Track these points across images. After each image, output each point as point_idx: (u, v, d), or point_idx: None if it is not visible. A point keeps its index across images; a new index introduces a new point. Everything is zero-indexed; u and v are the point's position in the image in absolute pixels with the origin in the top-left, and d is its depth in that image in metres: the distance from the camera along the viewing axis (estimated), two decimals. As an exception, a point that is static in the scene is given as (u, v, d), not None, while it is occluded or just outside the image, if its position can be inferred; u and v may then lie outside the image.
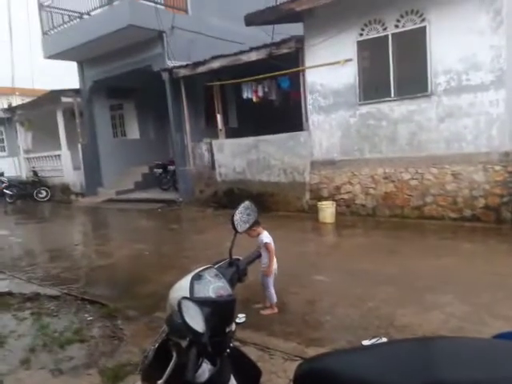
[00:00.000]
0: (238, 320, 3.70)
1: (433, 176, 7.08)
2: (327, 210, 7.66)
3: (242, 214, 1.85)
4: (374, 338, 3.20)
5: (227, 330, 1.52)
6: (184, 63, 10.36)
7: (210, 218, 9.00)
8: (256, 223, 3.69)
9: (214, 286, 1.52)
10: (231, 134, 10.76)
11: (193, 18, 11.30)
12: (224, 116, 10.68)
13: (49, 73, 17.61)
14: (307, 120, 8.55)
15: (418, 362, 1.23)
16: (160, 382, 1.37)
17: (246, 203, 1.89)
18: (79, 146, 13.63)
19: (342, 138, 8.12)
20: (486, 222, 6.51)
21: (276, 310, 4.00)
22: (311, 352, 3.06)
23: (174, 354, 1.38)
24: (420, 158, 7.24)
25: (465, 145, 6.83)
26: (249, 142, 9.50)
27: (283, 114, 10.00)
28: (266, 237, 3.96)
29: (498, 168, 6.50)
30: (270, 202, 8.96)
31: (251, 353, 3.15)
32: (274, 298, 4.01)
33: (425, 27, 6.94)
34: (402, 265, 5.05)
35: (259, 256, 1.97)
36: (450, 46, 6.74)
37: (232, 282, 1.64)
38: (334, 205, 7.79)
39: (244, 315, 3.80)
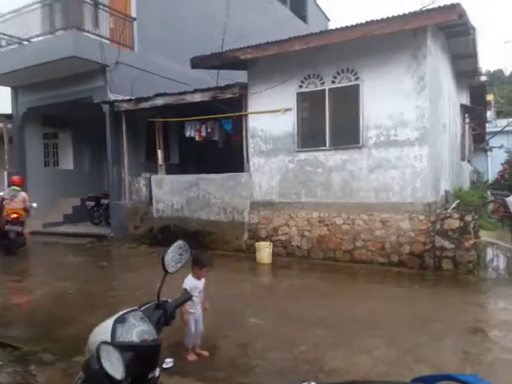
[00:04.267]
0: (165, 365, 3.52)
1: (363, 222, 7.46)
2: (265, 251, 7.71)
3: (175, 253, 1.83)
4: (303, 382, 3.17)
5: (150, 376, 1.47)
6: (127, 97, 10.27)
7: (143, 256, 8.64)
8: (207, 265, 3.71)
9: (138, 330, 1.48)
10: (172, 169, 10.66)
11: (139, 54, 11.35)
12: (165, 152, 10.60)
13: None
14: (248, 162, 8.74)
15: None
16: None
17: (179, 243, 1.87)
18: (5, 173, 12.71)
19: (281, 182, 8.37)
20: (411, 267, 6.91)
21: (193, 358, 3.75)
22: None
23: None
24: (352, 204, 7.62)
25: (392, 194, 7.32)
26: (190, 179, 9.45)
27: (225, 154, 10.15)
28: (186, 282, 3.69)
29: (421, 217, 7.01)
30: (208, 240, 8.85)
31: (178, 401, 2.99)
32: (190, 342, 3.77)
33: (358, 85, 7.53)
34: (333, 307, 5.15)
35: (189, 298, 1.93)
36: (380, 104, 7.34)
37: (158, 326, 1.60)
38: (271, 245, 7.88)
39: (172, 360, 3.61)
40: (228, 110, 9.02)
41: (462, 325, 4.56)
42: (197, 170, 9.86)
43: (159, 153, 10.03)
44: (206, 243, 8.77)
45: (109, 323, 1.47)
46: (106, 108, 10.44)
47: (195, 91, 9.16)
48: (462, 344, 4.13)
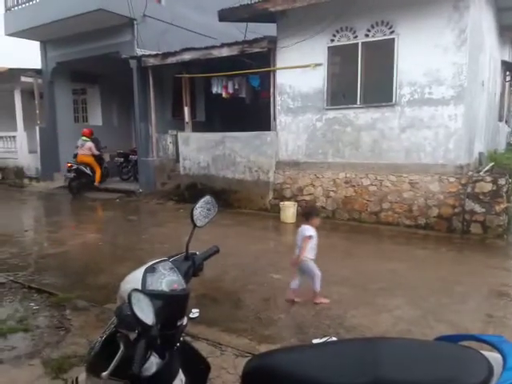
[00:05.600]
0: (191, 315, 3.67)
1: (391, 183, 7.32)
2: (289, 210, 7.74)
3: (203, 208, 1.83)
4: (324, 337, 3.26)
5: (178, 323, 1.50)
6: (153, 52, 10.14)
7: (171, 211, 8.85)
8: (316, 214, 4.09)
9: (167, 280, 1.50)
10: (198, 127, 10.65)
11: (166, 7, 11.08)
12: (192, 109, 10.54)
13: (9, 51, 16.71)
14: (275, 120, 8.60)
15: (362, 361, 1.26)
16: (104, 373, 1.34)
17: (207, 198, 1.87)
18: (37, 128, 13.03)
19: (308, 141, 8.23)
20: (439, 230, 6.80)
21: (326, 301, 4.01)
22: (263, 349, 3.08)
23: (122, 346, 1.34)
24: (380, 165, 7.46)
25: (423, 155, 7.09)
26: (216, 137, 9.43)
27: (252, 111, 10.02)
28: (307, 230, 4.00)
29: (452, 180, 6.81)
30: (233, 199, 8.94)
31: (202, 348, 3.12)
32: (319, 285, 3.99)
33: (393, 39, 7.15)
34: (356, 267, 5.17)
35: (216, 252, 1.96)
36: (415, 60, 6.98)
37: (187, 277, 1.63)
38: (296, 205, 7.88)
39: (198, 310, 3.77)
40: (255, 65, 8.80)
41: (486, 288, 4.51)
42: (223, 127, 9.81)
43: (186, 110, 9.99)
44: (231, 201, 8.87)
45: (139, 272, 1.50)
46: (133, 63, 10.37)
47: (222, 45, 8.93)
48: (485, 307, 4.10)
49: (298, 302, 4.06)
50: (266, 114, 8.76)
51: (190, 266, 1.69)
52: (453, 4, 6.61)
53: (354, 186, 7.72)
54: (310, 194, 8.17)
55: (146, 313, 1.25)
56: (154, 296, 1.36)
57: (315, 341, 3.15)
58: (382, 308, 3.94)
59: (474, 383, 1.12)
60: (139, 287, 1.40)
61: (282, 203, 7.94)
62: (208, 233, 5.00)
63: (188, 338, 3.23)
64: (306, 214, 4.19)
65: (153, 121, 10.58)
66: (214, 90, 9.63)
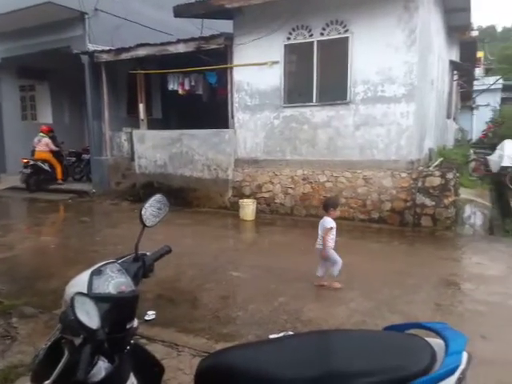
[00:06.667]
0: (146, 317, 3.60)
1: (346, 179, 7.49)
2: (248, 208, 7.75)
3: (153, 207, 1.80)
4: (281, 332, 3.28)
5: (128, 326, 1.47)
6: (107, 48, 9.82)
7: (125, 212, 8.60)
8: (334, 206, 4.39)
9: (115, 282, 1.47)
10: (154, 125, 10.42)
11: (119, 2, 10.73)
12: (148, 106, 10.31)
13: None
14: (233, 118, 8.57)
15: (315, 354, 1.27)
16: (47, 382, 1.29)
17: (158, 196, 1.84)
18: (-18, 125, 12.29)
19: (266, 138, 8.27)
20: (391, 224, 7.04)
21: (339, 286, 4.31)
22: (220, 347, 3.05)
23: (66, 353, 1.31)
24: (336, 161, 7.61)
25: (376, 152, 7.31)
26: (172, 134, 9.27)
27: (210, 109, 9.93)
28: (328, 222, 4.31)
29: (404, 175, 7.06)
30: (191, 197, 8.84)
31: (158, 350, 3.07)
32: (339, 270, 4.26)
33: (347, 38, 7.30)
34: (313, 262, 5.22)
35: (168, 251, 1.92)
36: (369, 58, 7.16)
37: (136, 278, 1.60)
38: (255, 203, 7.91)
39: (154, 312, 3.68)
40: (212, 62, 8.72)
41: (436, 278, 4.72)
42: (180, 125, 9.67)
43: (141, 107, 9.76)
44: (190, 200, 8.77)
45: (85, 275, 1.46)
46: (84, 59, 10.00)
47: (178, 41, 8.79)
48: (435, 296, 4.29)
49: (326, 285, 4.35)
50: (224, 111, 8.71)
51: (140, 267, 1.66)
52: (403, 5, 6.84)
53: (311, 182, 7.84)
54: (269, 191, 8.22)
55: (90, 316, 1.22)
56: (100, 299, 1.32)
57: (272, 336, 3.17)
58: (338, 301, 4.03)
59: (419, 369, 1.15)
60: (85, 290, 1.36)
61: (241, 201, 7.94)
62: (164, 233, 4.92)
63: (143, 341, 3.17)
64: (325, 206, 4.48)
65: (106, 118, 10.25)
66: (170, 86, 9.47)
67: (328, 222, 4.31)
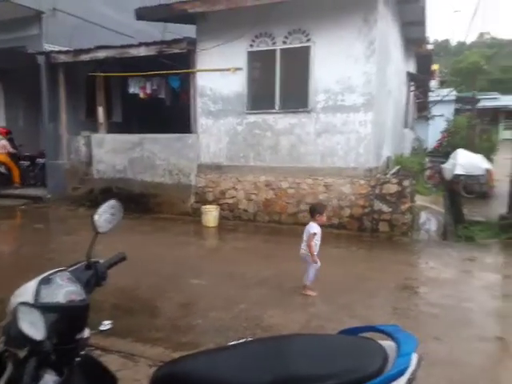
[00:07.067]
0: (102, 327, 3.49)
1: (308, 186, 7.60)
2: (211, 214, 7.69)
3: (106, 213, 1.75)
4: (241, 339, 3.25)
5: (78, 337, 1.42)
6: (64, 49, 9.51)
7: (82, 218, 8.27)
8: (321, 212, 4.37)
9: (64, 291, 1.42)
10: (114, 128, 10.17)
11: (79, 2, 10.44)
12: (108, 110, 10.04)
13: None
14: (196, 122, 8.51)
15: (270, 359, 1.27)
16: None
17: (111, 202, 1.79)
18: None
19: (230, 144, 8.26)
20: (350, 229, 7.20)
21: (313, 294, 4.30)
22: (177, 356, 2.99)
23: (10, 366, 1.25)
24: (298, 168, 7.71)
25: (336, 159, 7.47)
26: (133, 138, 9.08)
27: (173, 113, 9.80)
28: (312, 227, 4.32)
29: (362, 182, 7.25)
30: (152, 203, 8.66)
31: (114, 361, 2.97)
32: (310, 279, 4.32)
33: (309, 47, 7.44)
34: (275, 268, 5.28)
35: (123, 259, 1.86)
36: (330, 67, 7.32)
37: (88, 287, 1.55)
38: (218, 209, 7.86)
39: (110, 322, 3.58)
40: (175, 66, 8.63)
41: (393, 283, 4.85)
42: (141, 129, 9.47)
43: (100, 110, 9.50)
44: (151, 206, 8.60)
45: (32, 284, 1.41)
46: (41, 59, 9.62)
47: (140, 45, 8.64)
48: (392, 300, 4.42)
49: (313, 295, 4.34)
50: (188, 115, 8.63)
51: (92, 276, 1.61)
52: (363, 17, 7.06)
53: (274, 188, 7.89)
54: (233, 198, 8.20)
55: (36, 327, 1.18)
56: (47, 309, 1.27)
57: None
58: (299, 306, 4.07)
59: (371, 371, 1.18)
60: (31, 300, 1.31)
61: (203, 207, 7.86)
62: (124, 240, 4.79)
63: (98, 352, 3.06)
64: (311, 211, 4.49)
65: (63, 121, 9.89)
66: (131, 90, 9.28)
67: (312, 227, 4.33)
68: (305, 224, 7.38)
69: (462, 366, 3.06)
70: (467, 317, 3.96)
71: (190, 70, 8.46)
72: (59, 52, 9.48)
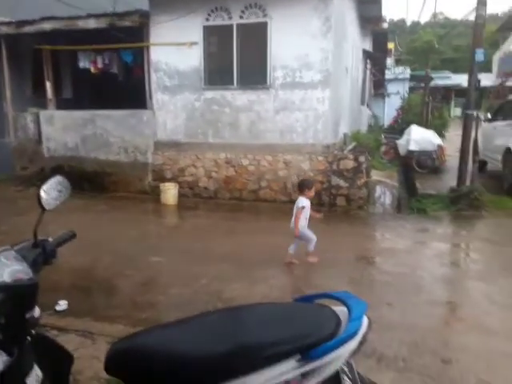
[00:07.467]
0: (57, 307, 3.41)
1: (268, 163, 7.63)
2: (170, 192, 7.57)
3: (53, 189, 1.70)
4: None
5: (27, 316, 1.37)
6: (6, 20, 8.84)
7: (33, 199, 7.76)
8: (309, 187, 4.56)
9: (10, 270, 1.37)
10: (65, 105, 9.67)
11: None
12: (57, 85, 9.52)
13: None
14: (151, 98, 8.25)
15: (225, 329, 1.28)
16: None
17: (57, 178, 1.74)
18: None
19: (187, 121, 8.09)
20: (310, 204, 7.31)
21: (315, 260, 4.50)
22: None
23: None
24: (258, 145, 7.70)
25: (295, 136, 7.52)
26: (85, 115, 8.69)
27: (126, 89, 9.42)
28: (301, 201, 4.49)
29: (320, 158, 7.37)
30: (108, 182, 8.39)
31: (71, 340, 2.92)
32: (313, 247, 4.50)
33: (266, 22, 7.33)
34: (236, 244, 5.31)
35: (73, 236, 1.80)
36: (287, 44, 7.27)
37: (36, 265, 1.49)
38: (177, 187, 7.74)
39: (66, 302, 3.48)
40: (128, 39, 8.26)
41: (350, 254, 5.03)
42: (93, 105, 9.06)
43: (48, 85, 8.98)
44: (107, 185, 8.33)
45: None
46: (-21, 30, 8.90)
47: (89, 16, 8.18)
48: (349, 270, 4.58)
49: (296, 263, 4.50)
50: (142, 91, 8.34)
51: (40, 254, 1.55)
52: (319, -7, 7.02)
53: (234, 166, 7.86)
54: (192, 175, 8.10)
55: None
56: None
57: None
58: (259, 279, 4.12)
59: (324, 336, 1.21)
60: None
61: (162, 185, 7.71)
62: (78, 220, 4.63)
63: (54, 332, 2.98)
64: (300, 186, 4.64)
65: (8, 97, 9.27)
66: (81, 64, 8.82)
67: (301, 201, 4.49)
68: (266, 200, 7.56)
69: (412, 329, 3.24)
70: (418, 283, 4.18)
71: (143, 44, 8.13)
72: (1, 23, 8.80)
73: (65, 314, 3.32)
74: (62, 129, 8.80)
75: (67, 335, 2.98)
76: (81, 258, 4.48)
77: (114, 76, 9.29)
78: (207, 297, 3.69)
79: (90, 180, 7.96)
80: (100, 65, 8.78)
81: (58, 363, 1.60)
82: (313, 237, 4.51)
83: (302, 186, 4.61)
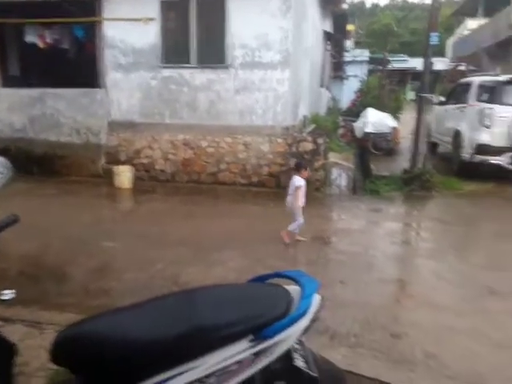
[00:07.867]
0: (3, 297, 3.25)
1: (227, 145, 7.55)
2: (124, 175, 7.35)
3: None
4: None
5: None
6: None
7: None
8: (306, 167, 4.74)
9: None
10: (11, 82, 9.07)
11: None
12: (2, 61, 8.89)
13: None
14: (104, 76, 7.88)
15: (179, 312, 1.26)
16: None
17: None
18: None
19: (143, 100, 7.82)
20: (269, 187, 7.36)
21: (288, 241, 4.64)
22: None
23: None
24: (217, 126, 7.59)
25: (255, 117, 7.46)
26: (33, 93, 8.20)
27: (78, 66, 8.94)
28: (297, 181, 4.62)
29: (280, 140, 7.37)
30: (58, 165, 8.00)
31: (17, 331, 2.79)
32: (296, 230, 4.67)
33: (224, 0, 7.14)
34: (193, 228, 5.26)
35: (15, 221, 1.70)
36: (246, 22, 7.12)
37: None
38: (132, 170, 7.52)
39: (12, 291, 3.33)
40: (80, 14, 7.79)
41: (307, 235, 5.07)
42: (43, 83, 8.54)
43: (-9, 61, 8.38)
44: (57, 168, 7.95)
45: None
46: None
47: (36, -14, 7.63)
48: (304, 250, 4.67)
49: (305, 240, 4.76)
50: (95, 69, 7.94)
51: None
52: (278, -29, 6.89)
53: (192, 148, 7.71)
54: (148, 157, 7.89)
55: None
56: None
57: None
58: (216, 262, 4.11)
59: (276, 314, 1.21)
60: None
61: (116, 167, 7.45)
62: (26, 205, 4.41)
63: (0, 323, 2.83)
64: (297, 166, 4.81)
65: None
66: (28, 38, 8.27)
67: (298, 180, 4.62)
68: (225, 183, 7.50)
69: (364, 306, 3.35)
70: (371, 262, 4.32)
71: (95, 19, 7.71)
72: None
73: (11, 304, 3.17)
74: (7, 108, 8.26)
75: (13, 326, 2.84)
76: (29, 245, 4.28)
77: (65, 52, 8.79)
78: (163, 281, 3.64)
79: (39, 163, 7.57)
80: (49, 39, 8.26)
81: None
82: (301, 219, 4.63)
83: (300, 166, 4.77)
